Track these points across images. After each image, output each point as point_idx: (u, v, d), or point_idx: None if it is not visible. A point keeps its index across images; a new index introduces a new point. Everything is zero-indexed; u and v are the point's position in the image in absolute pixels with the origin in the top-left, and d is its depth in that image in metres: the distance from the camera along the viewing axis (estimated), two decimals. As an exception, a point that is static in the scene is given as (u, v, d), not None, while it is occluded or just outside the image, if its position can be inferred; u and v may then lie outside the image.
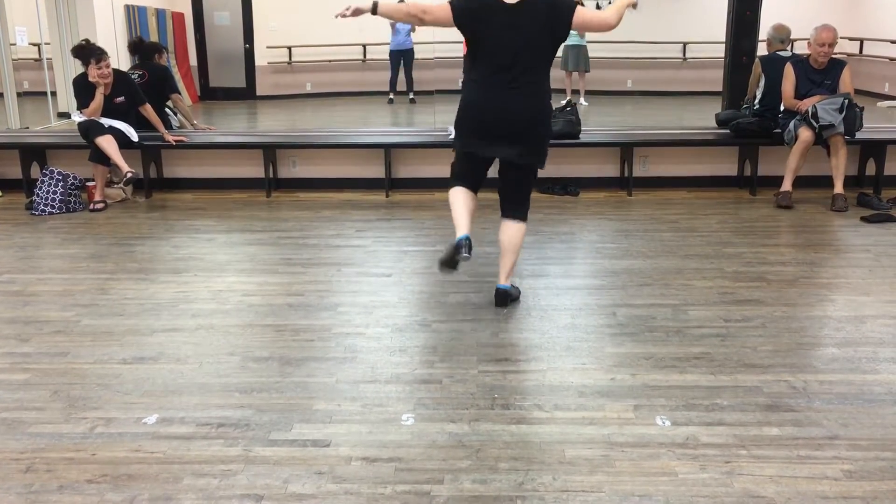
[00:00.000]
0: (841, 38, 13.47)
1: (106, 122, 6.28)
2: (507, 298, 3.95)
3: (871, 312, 3.85)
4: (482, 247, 5.04)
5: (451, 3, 3.68)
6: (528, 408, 2.91)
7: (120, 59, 9.43)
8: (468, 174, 3.93)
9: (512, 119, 3.71)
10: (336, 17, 3.76)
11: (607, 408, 2.91)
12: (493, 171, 3.99)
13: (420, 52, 12.96)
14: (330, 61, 14.22)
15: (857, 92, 7.57)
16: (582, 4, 3.70)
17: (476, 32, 3.67)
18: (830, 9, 13.10)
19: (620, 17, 3.70)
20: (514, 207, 3.93)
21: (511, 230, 3.91)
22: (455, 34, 4.07)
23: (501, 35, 3.62)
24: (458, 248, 3.68)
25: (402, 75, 13.12)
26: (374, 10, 3.71)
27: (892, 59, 12.32)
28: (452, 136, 3.96)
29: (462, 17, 3.66)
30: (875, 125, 7.17)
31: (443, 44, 12.88)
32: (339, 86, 14.42)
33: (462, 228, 3.79)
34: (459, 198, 3.89)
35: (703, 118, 8.26)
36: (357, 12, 3.69)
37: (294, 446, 2.65)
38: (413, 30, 12.73)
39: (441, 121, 9.72)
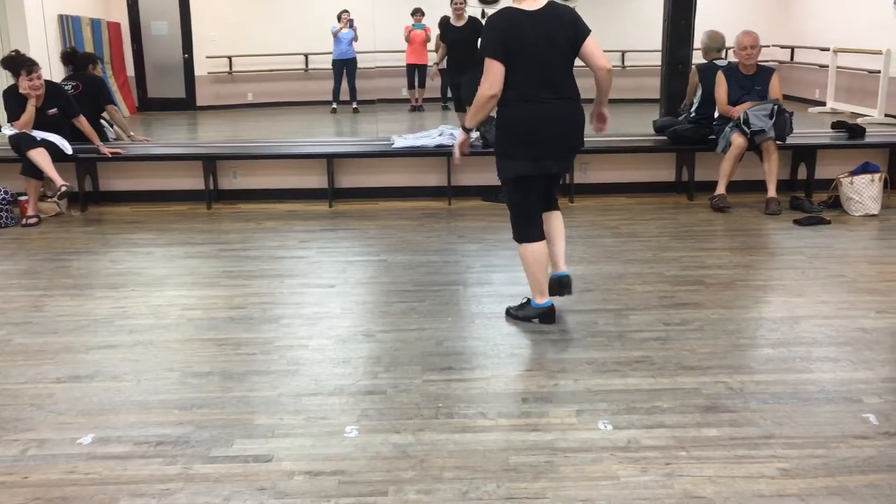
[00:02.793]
0: (772, 45, 13.88)
1: (38, 134, 6.12)
2: (571, 282, 3.93)
3: (805, 313, 3.95)
4: (426, 255, 5.06)
5: (494, 57, 3.54)
6: (473, 416, 2.92)
7: (53, 70, 9.20)
8: (534, 205, 3.82)
9: (569, 130, 3.70)
10: (455, 161, 4.05)
11: (550, 413, 2.93)
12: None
13: (363, 62, 12.95)
14: (271, 71, 14.10)
15: (789, 98, 7.81)
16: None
17: (514, 50, 3.55)
18: (763, 17, 13.50)
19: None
20: (553, 201, 3.98)
21: (557, 218, 3.94)
22: (396, 43, 4.08)
23: (536, 44, 3.56)
24: (551, 316, 3.83)
25: (345, 84, 13.07)
26: (468, 131, 3.88)
27: (821, 66, 12.72)
28: (505, 169, 3.76)
29: (502, 52, 3.54)
30: (806, 130, 7.40)
31: (385, 53, 12.91)
32: (281, 95, 14.30)
33: (544, 294, 3.83)
34: (540, 256, 3.78)
35: (642, 125, 8.40)
36: (463, 147, 3.97)
37: (235, 462, 2.61)
38: (356, 39, 12.71)
39: (383, 129, 9.74)
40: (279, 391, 3.14)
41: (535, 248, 3.78)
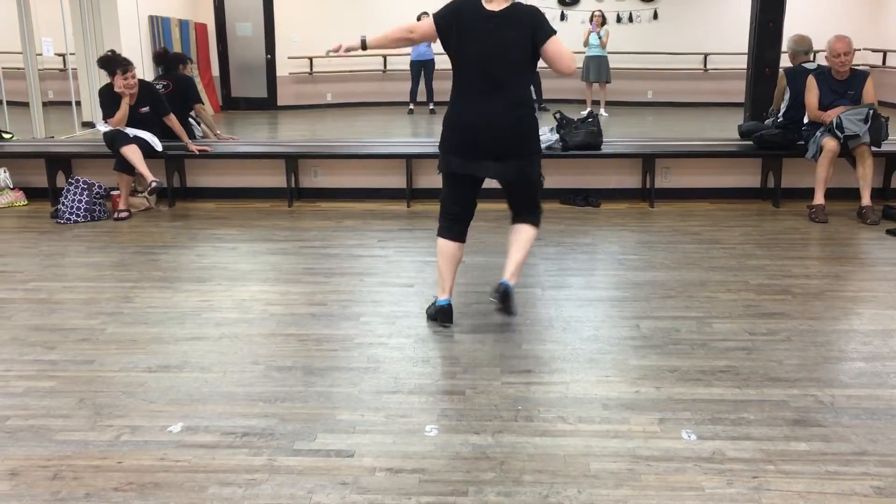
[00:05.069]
0: (864, 49, 13.42)
1: (131, 131, 6.35)
2: (508, 297, 3.68)
3: (899, 326, 3.80)
4: (503, 257, 5.02)
5: (434, 17, 3.67)
6: (552, 420, 2.90)
7: (144, 69, 9.54)
8: (458, 205, 3.79)
9: (497, 130, 3.58)
10: (327, 53, 3.94)
11: (632, 421, 2.89)
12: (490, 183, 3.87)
13: (441, 63, 13.01)
14: (350, 72, 14.32)
15: (881, 103, 7.52)
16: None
17: (458, 41, 3.59)
18: (853, 20, 13.05)
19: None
20: (525, 215, 3.86)
21: (522, 229, 3.84)
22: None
23: (483, 42, 3.54)
24: (445, 315, 3.82)
25: (422, 86, 13.16)
26: (363, 46, 3.77)
27: (916, 71, 12.21)
28: (440, 166, 3.80)
29: (446, 30, 3.63)
30: (900, 137, 7.11)
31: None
32: (359, 96, 14.51)
33: (445, 291, 3.83)
34: (446, 252, 3.80)
35: (724, 129, 8.23)
36: (348, 50, 3.81)
37: (318, 456, 2.65)
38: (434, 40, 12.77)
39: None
40: (360, 388, 3.18)
41: (446, 245, 3.80)
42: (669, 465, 2.58)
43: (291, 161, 6.86)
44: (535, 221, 3.87)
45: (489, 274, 4.70)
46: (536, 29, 3.56)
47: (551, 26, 3.61)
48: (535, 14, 3.63)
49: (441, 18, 3.65)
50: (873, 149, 5.91)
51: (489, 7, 3.57)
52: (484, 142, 3.60)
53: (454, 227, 3.82)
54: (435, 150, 7.06)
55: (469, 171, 3.68)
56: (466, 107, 3.64)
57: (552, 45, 3.55)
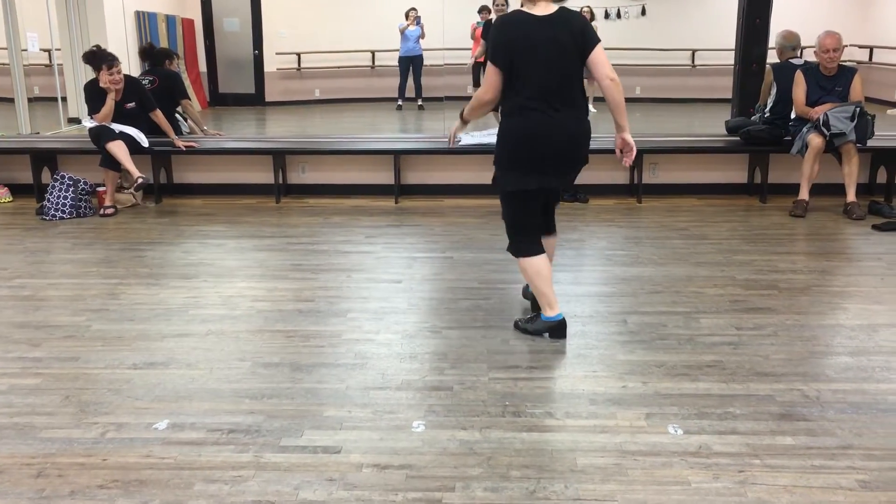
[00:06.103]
0: (851, 45, 13.49)
1: (117, 127, 6.30)
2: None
3: (884, 321, 3.82)
4: (491, 253, 5.04)
5: (493, 63, 3.49)
6: (540, 415, 2.90)
7: (130, 64, 9.47)
8: (534, 221, 3.66)
9: (573, 144, 3.53)
10: (450, 145, 4.13)
11: (619, 416, 2.89)
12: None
13: (429, 59, 12.99)
14: (339, 67, 14.27)
15: (867, 100, 7.57)
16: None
17: (517, 56, 3.43)
18: (840, 16, 13.10)
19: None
20: (551, 224, 3.83)
21: (550, 242, 3.80)
22: (464, 41, 4.05)
23: (540, 51, 3.41)
24: (563, 328, 3.63)
25: (410, 82, 13.14)
26: (464, 121, 3.84)
27: (902, 67, 12.28)
28: (503, 181, 3.62)
29: (505, 59, 3.45)
30: (886, 133, 7.15)
31: (452, 50, 12.93)
32: (347, 92, 14.46)
33: (556, 305, 3.65)
34: (542, 268, 3.61)
35: (712, 125, 8.23)
36: (457, 132, 3.99)
37: (305, 453, 2.65)
38: (422, 36, 12.76)
39: (450, 127, 9.77)
40: (347, 384, 3.17)
41: (536, 262, 3.60)
42: (656, 460, 2.58)
43: (279, 157, 6.83)
44: (555, 228, 3.89)
45: (477, 270, 4.70)
46: (587, 34, 3.45)
47: (596, 33, 3.53)
48: (583, 18, 3.53)
49: (498, 59, 3.46)
50: (859, 146, 5.93)
51: (536, 12, 3.44)
52: (559, 155, 3.52)
53: (536, 240, 3.66)
54: (424, 145, 7.11)
55: (548, 185, 3.57)
56: (535, 122, 3.46)
57: (599, 51, 3.46)
